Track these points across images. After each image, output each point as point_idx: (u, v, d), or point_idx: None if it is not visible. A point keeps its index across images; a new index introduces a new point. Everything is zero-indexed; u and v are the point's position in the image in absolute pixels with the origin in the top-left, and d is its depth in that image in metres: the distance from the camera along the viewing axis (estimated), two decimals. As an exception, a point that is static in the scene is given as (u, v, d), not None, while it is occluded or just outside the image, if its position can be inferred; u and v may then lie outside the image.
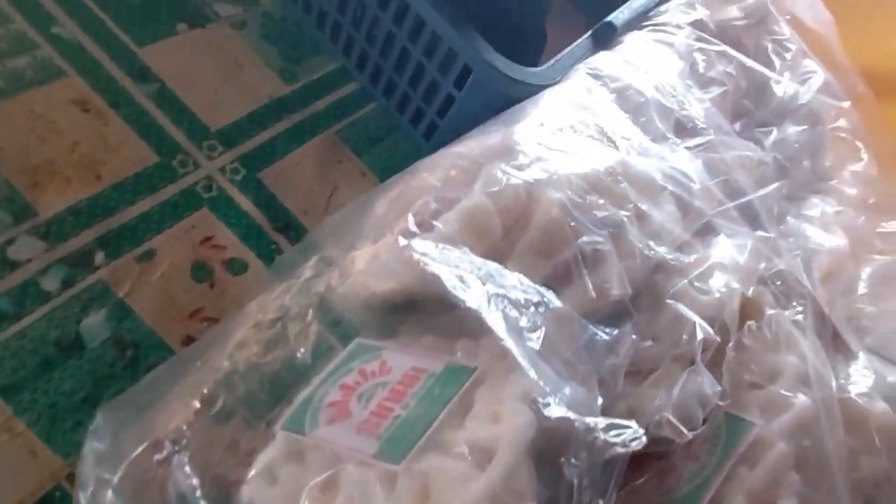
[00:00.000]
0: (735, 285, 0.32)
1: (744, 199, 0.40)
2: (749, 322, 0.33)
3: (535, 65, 0.47)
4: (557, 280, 0.31)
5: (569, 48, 0.41)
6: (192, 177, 0.38)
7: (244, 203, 0.39)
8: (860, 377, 0.38)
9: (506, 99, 0.40)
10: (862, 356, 0.39)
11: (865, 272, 0.46)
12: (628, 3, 0.48)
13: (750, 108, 0.50)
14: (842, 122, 0.54)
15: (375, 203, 0.31)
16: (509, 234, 0.31)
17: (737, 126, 0.49)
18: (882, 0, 0.70)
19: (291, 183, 0.41)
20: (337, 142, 0.45)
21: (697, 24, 0.48)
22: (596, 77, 0.39)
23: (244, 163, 0.40)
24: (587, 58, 0.41)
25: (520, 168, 0.30)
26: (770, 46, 0.52)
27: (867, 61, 0.69)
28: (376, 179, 0.44)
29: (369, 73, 0.46)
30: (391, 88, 0.46)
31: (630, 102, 0.39)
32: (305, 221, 0.40)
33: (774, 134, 0.48)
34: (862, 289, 0.43)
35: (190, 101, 0.40)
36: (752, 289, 0.33)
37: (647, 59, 0.42)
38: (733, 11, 0.48)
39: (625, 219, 0.32)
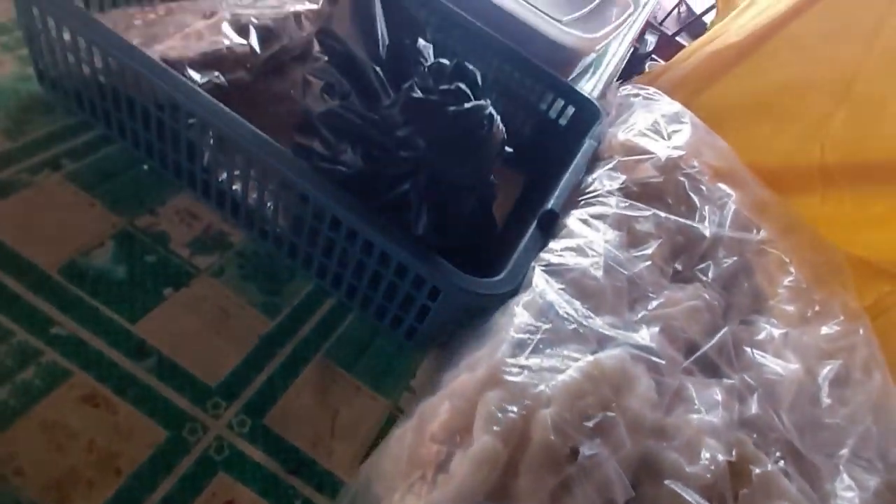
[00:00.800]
0: (720, 457, 0.36)
1: (700, 353, 0.44)
2: (742, 490, 0.36)
3: (491, 251, 0.53)
4: (565, 490, 0.34)
5: (521, 245, 0.46)
6: (203, 442, 0.40)
7: (256, 454, 0.41)
8: (845, 496, 0.41)
9: (477, 305, 0.44)
10: (842, 471, 0.44)
11: (822, 378, 0.51)
12: (562, 182, 0.54)
13: (684, 244, 0.56)
14: (763, 235, 0.60)
15: (392, 455, 0.34)
16: (513, 455, 0.34)
17: (678, 266, 0.55)
18: (762, 105, 0.81)
19: (295, 419, 0.44)
20: (328, 363, 0.48)
21: (623, 189, 0.54)
22: (551, 273, 0.43)
23: (248, 412, 0.43)
24: (539, 249, 0.46)
25: (511, 399, 0.34)
26: (687, 183, 0.60)
27: (759, 161, 0.78)
28: (371, 391, 0.47)
29: (345, 291, 0.50)
30: (368, 302, 0.50)
31: (586, 290, 0.43)
32: (315, 455, 0.42)
33: (711, 269, 0.53)
34: (825, 399, 0.48)
35: (188, 364, 0.43)
36: (734, 451, 0.37)
37: (589, 240, 0.47)
38: (649, 170, 0.55)
39: (610, 417, 0.35)
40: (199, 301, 0.47)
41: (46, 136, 0.50)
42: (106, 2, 0.56)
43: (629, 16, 0.86)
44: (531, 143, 0.73)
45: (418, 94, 0.37)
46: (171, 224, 0.50)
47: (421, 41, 0.50)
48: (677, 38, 1.95)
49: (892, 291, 0.69)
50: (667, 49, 1.76)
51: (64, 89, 0.51)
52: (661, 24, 2.24)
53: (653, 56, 1.73)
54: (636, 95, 0.66)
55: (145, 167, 0.52)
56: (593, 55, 0.88)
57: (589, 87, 0.92)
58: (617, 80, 1.07)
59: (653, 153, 0.56)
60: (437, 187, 0.41)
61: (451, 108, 0.37)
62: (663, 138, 0.59)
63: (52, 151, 0.50)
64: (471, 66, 0.40)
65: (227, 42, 0.50)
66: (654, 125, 0.60)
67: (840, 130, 0.77)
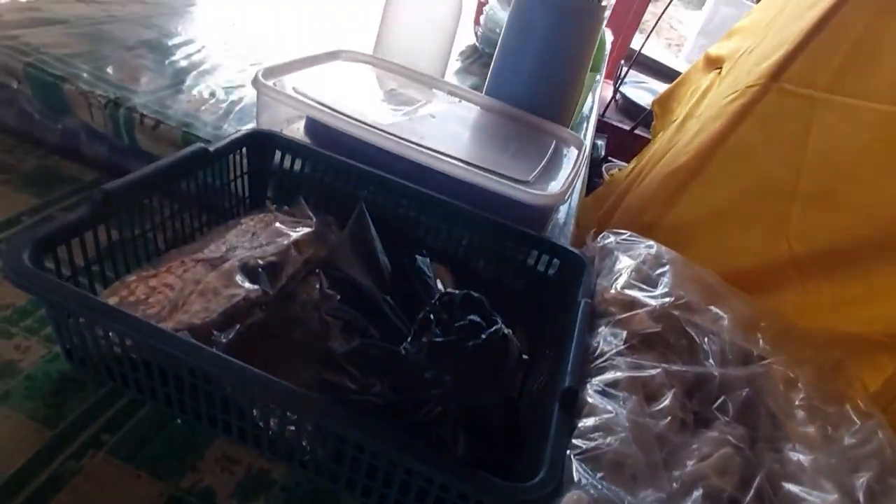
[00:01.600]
0: None
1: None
2: None
3: (516, 426, 0.55)
4: None
5: (549, 443, 0.49)
6: None
7: None
8: None
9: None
10: None
11: (859, 491, 0.53)
12: (571, 354, 0.57)
13: (695, 382, 0.59)
14: (762, 351, 0.64)
15: None
16: None
17: (696, 407, 0.57)
18: (724, 214, 0.87)
19: None
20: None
21: (626, 344, 0.58)
22: (587, 461, 0.46)
23: None
24: (569, 433, 0.49)
25: None
26: (682, 318, 0.64)
27: (736, 265, 0.83)
28: None
29: (392, 505, 0.52)
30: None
31: (624, 470, 0.46)
32: None
33: (729, 406, 0.56)
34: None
35: None
36: None
37: (612, 414, 0.50)
38: (646, 321, 0.59)
39: None
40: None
41: (83, 414, 0.53)
42: (120, 265, 0.61)
43: (584, 152, 0.93)
44: (525, 297, 0.77)
45: (438, 337, 0.41)
46: (213, 476, 0.52)
47: (418, 258, 0.54)
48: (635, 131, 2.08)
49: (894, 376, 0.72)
50: (629, 141, 1.88)
51: (93, 364, 0.54)
52: (602, 116, 2.41)
53: (608, 157, 1.85)
54: (613, 242, 0.72)
55: (178, 421, 0.55)
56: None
57: (562, 214, 0.98)
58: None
59: (645, 303, 0.61)
60: (469, 410, 0.43)
61: (470, 344, 0.41)
62: (651, 286, 0.64)
63: (91, 430, 0.52)
64: (476, 294, 0.45)
65: (241, 292, 0.54)
66: (638, 272, 0.65)
67: (800, 224, 0.83)
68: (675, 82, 1.41)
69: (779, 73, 0.84)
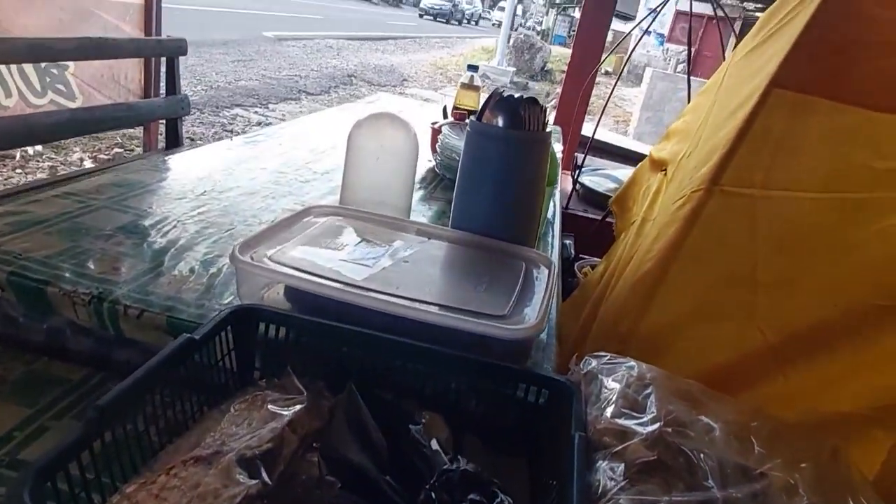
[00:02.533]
0: None
1: None
2: None
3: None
4: None
5: None
6: None
7: None
8: None
9: None
10: None
11: None
12: (575, 496, 0.58)
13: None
14: (758, 458, 0.65)
15: None
16: None
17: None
18: (695, 313, 0.91)
19: None
20: None
21: (626, 476, 0.59)
22: None
23: None
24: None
25: None
26: (675, 439, 0.65)
27: (716, 361, 0.86)
28: None
29: None
30: None
31: None
32: None
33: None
34: None
35: None
36: None
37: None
38: (641, 450, 0.61)
39: None
40: None
41: None
42: (115, 468, 0.60)
43: (553, 271, 0.98)
44: (519, 429, 0.78)
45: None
46: None
47: (412, 428, 0.56)
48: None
49: (892, 454, 0.74)
50: (597, 232, 1.94)
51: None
52: (566, 208, 2.51)
53: (580, 255, 1.91)
54: (596, 366, 0.74)
55: None
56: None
57: (544, 333, 1.01)
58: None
59: (637, 432, 0.62)
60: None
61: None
62: (639, 411, 0.65)
63: None
64: (468, 467, 0.46)
65: (241, 490, 0.55)
66: (625, 398, 0.67)
67: (767, 313, 0.87)
68: (626, 182, 1.50)
69: (717, 178, 0.91)
